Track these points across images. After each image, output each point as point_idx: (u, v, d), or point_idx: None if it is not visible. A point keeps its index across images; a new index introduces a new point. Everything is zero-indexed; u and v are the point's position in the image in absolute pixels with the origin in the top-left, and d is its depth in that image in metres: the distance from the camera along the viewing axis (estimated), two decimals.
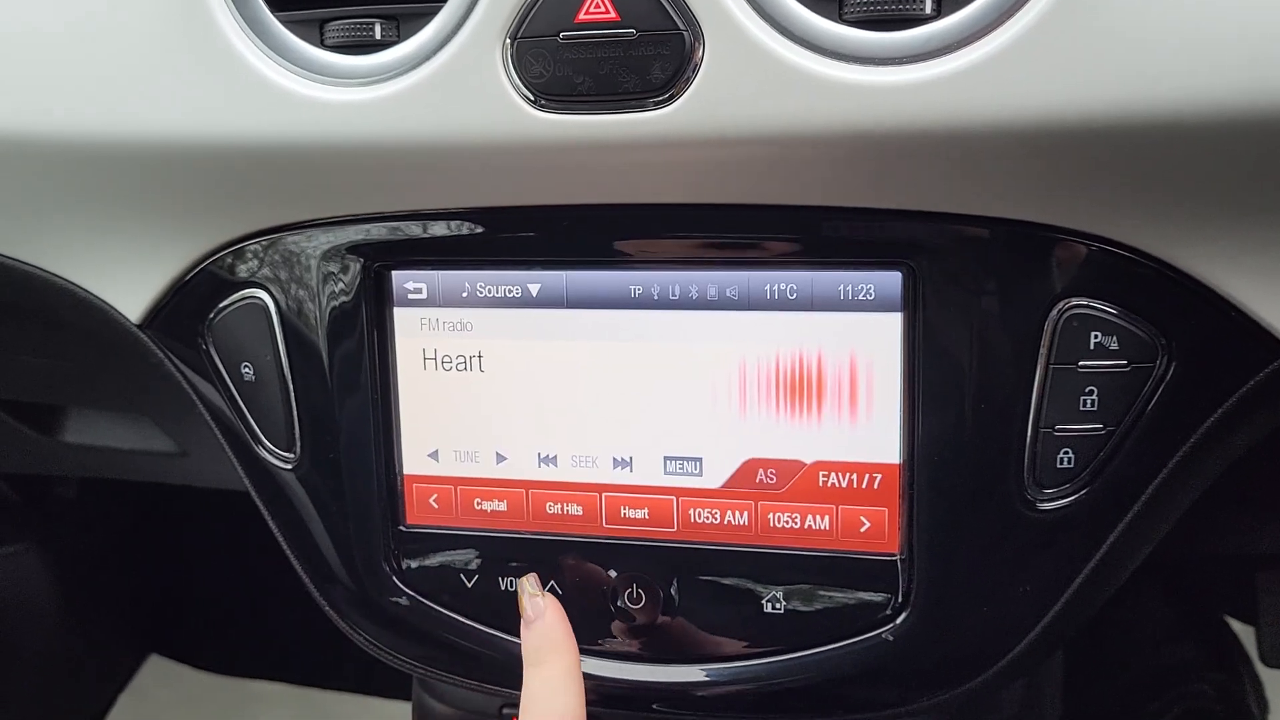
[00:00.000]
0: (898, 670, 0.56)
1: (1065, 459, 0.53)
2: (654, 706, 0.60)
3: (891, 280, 0.53)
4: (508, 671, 0.61)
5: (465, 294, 0.58)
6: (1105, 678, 1.15)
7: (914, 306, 0.53)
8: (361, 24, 0.53)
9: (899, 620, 0.55)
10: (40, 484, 1.39)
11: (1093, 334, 0.51)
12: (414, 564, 0.62)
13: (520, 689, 0.59)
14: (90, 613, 1.48)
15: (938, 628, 0.55)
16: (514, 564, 0.60)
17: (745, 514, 0.58)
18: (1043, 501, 0.54)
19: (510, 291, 0.58)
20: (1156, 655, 1.18)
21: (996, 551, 0.54)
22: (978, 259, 0.52)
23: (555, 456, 0.59)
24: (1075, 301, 0.51)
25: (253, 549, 1.63)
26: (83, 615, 1.46)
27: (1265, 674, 1.24)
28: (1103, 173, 0.48)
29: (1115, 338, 0.51)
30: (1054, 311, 0.51)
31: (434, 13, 0.52)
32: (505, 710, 0.67)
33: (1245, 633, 1.27)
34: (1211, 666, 1.18)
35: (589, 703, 0.59)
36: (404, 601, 0.62)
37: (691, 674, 0.58)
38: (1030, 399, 0.52)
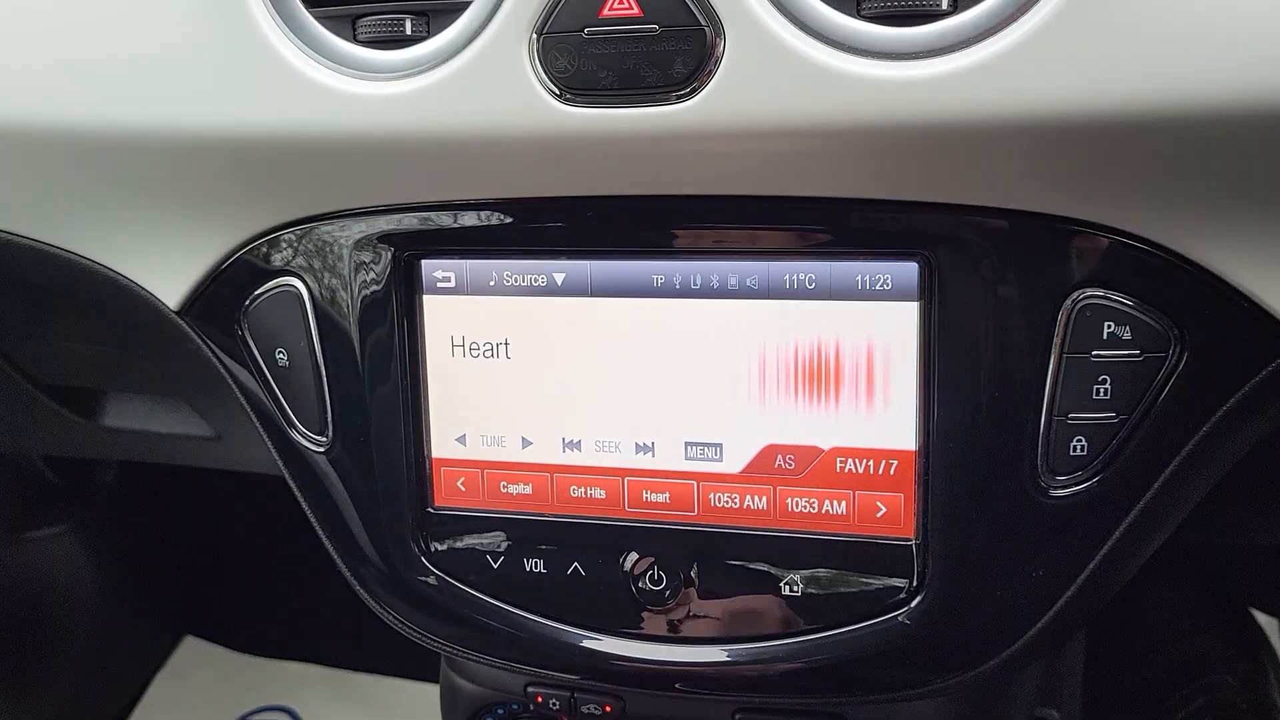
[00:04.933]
0: (913, 652, 0.57)
1: (1078, 447, 0.54)
2: (676, 685, 0.61)
3: (908, 271, 0.54)
4: (532, 650, 0.63)
5: (493, 283, 0.60)
6: (1127, 667, 1.15)
7: (930, 296, 0.54)
8: (392, 19, 0.55)
9: (914, 604, 0.57)
10: (81, 468, 1.42)
11: (1106, 324, 0.52)
12: (442, 545, 0.64)
13: (544, 667, 0.61)
14: (128, 594, 1.52)
15: (952, 611, 0.56)
16: (539, 545, 0.62)
17: (764, 498, 0.59)
18: (1056, 488, 0.55)
19: (536, 280, 0.59)
20: (1180, 645, 1.18)
21: (1010, 537, 0.55)
22: (994, 250, 0.53)
23: (579, 441, 0.61)
24: (1089, 292, 0.52)
25: (285, 533, 1.66)
26: (121, 597, 1.50)
27: None
28: (1117, 165, 0.49)
29: (1128, 328, 0.52)
30: (1068, 302, 0.52)
31: (462, 8, 0.53)
32: (530, 688, 0.69)
33: (1269, 624, 1.27)
34: (1235, 657, 1.18)
35: (612, 682, 0.61)
36: (432, 581, 0.64)
37: (711, 654, 0.60)
38: (1044, 387, 0.53)
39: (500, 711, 0.73)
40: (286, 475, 0.69)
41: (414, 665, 1.53)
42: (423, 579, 0.64)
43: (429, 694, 1.51)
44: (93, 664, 1.45)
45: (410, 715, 1.49)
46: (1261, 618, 1.28)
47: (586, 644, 0.61)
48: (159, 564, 1.59)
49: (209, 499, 1.64)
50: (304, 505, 0.68)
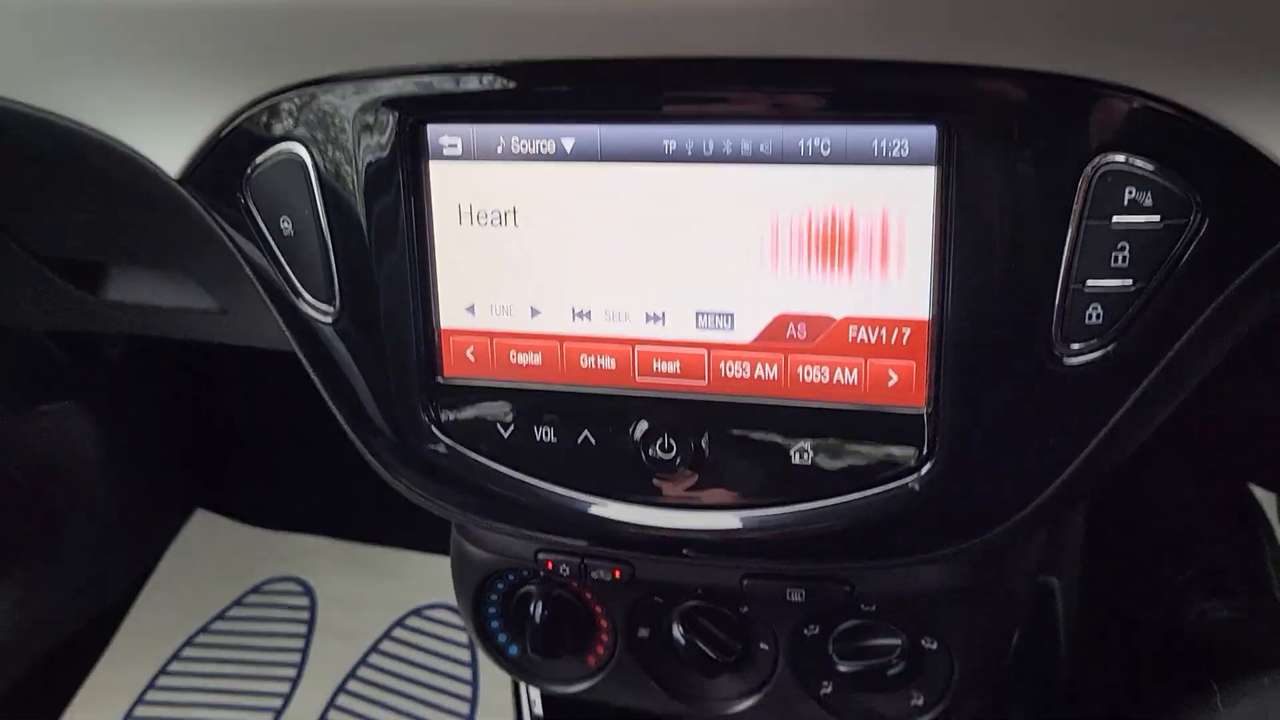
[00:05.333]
0: (921, 518, 0.58)
1: (1094, 314, 0.53)
2: (684, 551, 0.62)
3: (926, 135, 0.53)
4: (543, 517, 0.63)
5: (500, 148, 0.59)
6: (1124, 539, 1.17)
7: (948, 161, 0.53)
8: None
9: (924, 471, 0.57)
10: (86, 343, 1.43)
11: (1127, 189, 0.51)
12: (452, 415, 0.64)
13: (555, 534, 0.62)
14: (139, 468, 1.54)
15: (962, 478, 0.57)
16: (548, 415, 0.62)
17: (775, 368, 0.59)
18: (1069, 356, 0.54)
19: (544, 146, 0.58)
20: (1177, 519, 1.20)
21: (1021, 405, 0.55)
22: (1013, 113, 0.51)
23: (589, 311, 0.60)
24: (1110, 157, 0.51)
25: (295, 407, 1.67)
26: (131, 470, 1.51)
27: None
28: (1138, 23, 0.47)
29: (1149, 193, 0.51)
30: (1089, 168, 0.51)
31: None
32: (540, 555, 0.70)
33: (1267, 500, 1.29)
34: (1231, 530, 1.19)
35: (621, 548, 0.61)
36: (443, 450, 0.64)
37: (720, 520, 0.60)
38: (1061, 255, 0.52)
39: (511, 578, 0.74)
40: (296, 348, 0.68)
41: (425, 537, 1.56)
42: (433, 449, 0.64)
43: (440, 565, 1.54)
44: (105, 537, 1.48)
45: (421, 585, 1.53)
46: (1259, 493, 1.29)
47: (596, 511, 0.62)
48: (169, 438, 1.60)
49: (218, 374, 1.65)
50: (314, 378, 0.68)
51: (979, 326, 0.55)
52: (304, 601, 1.55)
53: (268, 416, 1.70)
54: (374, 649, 1.47)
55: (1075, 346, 0.54)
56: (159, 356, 1.55)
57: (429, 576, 1.54)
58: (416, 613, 1.51)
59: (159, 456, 1.59)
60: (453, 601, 1.52)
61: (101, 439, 1.44)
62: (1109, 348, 0.54)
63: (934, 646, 0.68)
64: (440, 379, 0.64)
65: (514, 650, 0.77)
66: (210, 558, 1.62)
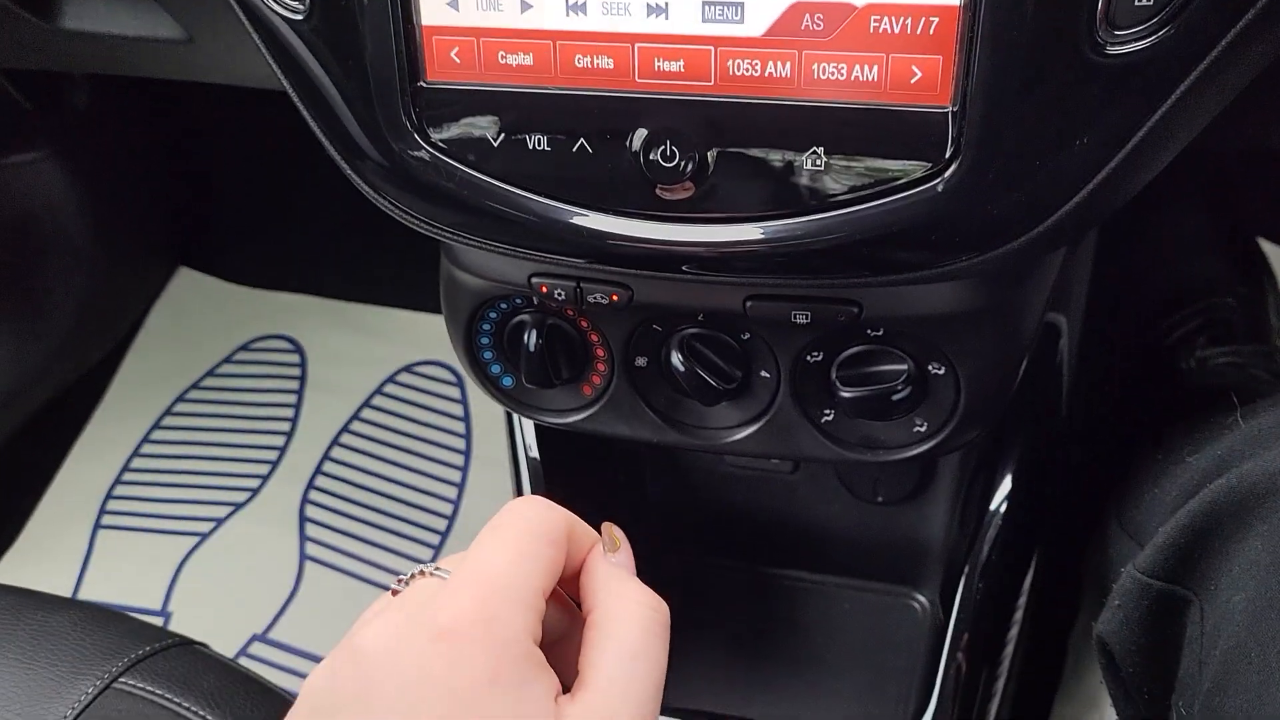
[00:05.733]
0: (939, 228, 0.54)
1: None
2: (683, 268, 0.59)
3: None
4: (536, 233, 0.60)
5: None
6: (1131, 283, 1.15)
7: None
8: None
9: (946, 175, 0.53)
10: (50, 89, 1.36)
11: None
12: (438, 123, 0.59)
13: (549, 252, 0.59)
14: (117, 223, 1.49)
15: (986, 184, 0.53)
16: (542, 121, 0.57)
17: (788, 65, 0.54)
18: (1113, 45, 0.50)
19: None
20: (1184, 266, 1.18)
21: (1056, 102, 0.51)
22: None
23: (584, 4, 0.55)
24: None
25: (279, 162, 1.62)
26: (110, 226, 1.47)
27: None
28: None
29: None
30: None
31: None
32: (534, 279, 0.67)
33: (1274, 253, 1.27)
34: (1236, 279, 1.18)
35: (618, 265, 0.58)
36: (429, 162, 0.60)
37: (726, 233, 0.57)
38: None
39: (504, 306, 0.71)
40: (266, 55, 0.63)
41: (414, 296, 1.54)
42: (419, 161, 0.60)
43: (430, 323, 1.53)
44: (89, 292, 1.45)
45: (412, 342, 1.52)
46: (1267, 247, 1.27)
47: (593, 225, 0.58)
48: (147, 193, 1.55)
49: (197, 124, 1.58)
50: (290, 91, 0.63)
51: (1016, 12, 0.49)
52: (294, 358, 1.54)
53: (251, 172, 1.64)
54: (366, 404, 1.47)
55: (1120, 33, 0.49)
56: (132, 103, 1.48)
57: (419, 334, 1.52)
58: (408, 369, 1.50)
59: (138, 211, 1.54)
60: (444, 358, 1.51)
61: (76, 191, 1.39)
62: (1157, 36, 0.49)
63: (941, 371, 0.66)
64: (424, 83, 0.59)
65: (508, 382, 0.75)
66: (197, 316, 1.60)
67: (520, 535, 0.46)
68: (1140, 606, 0.65)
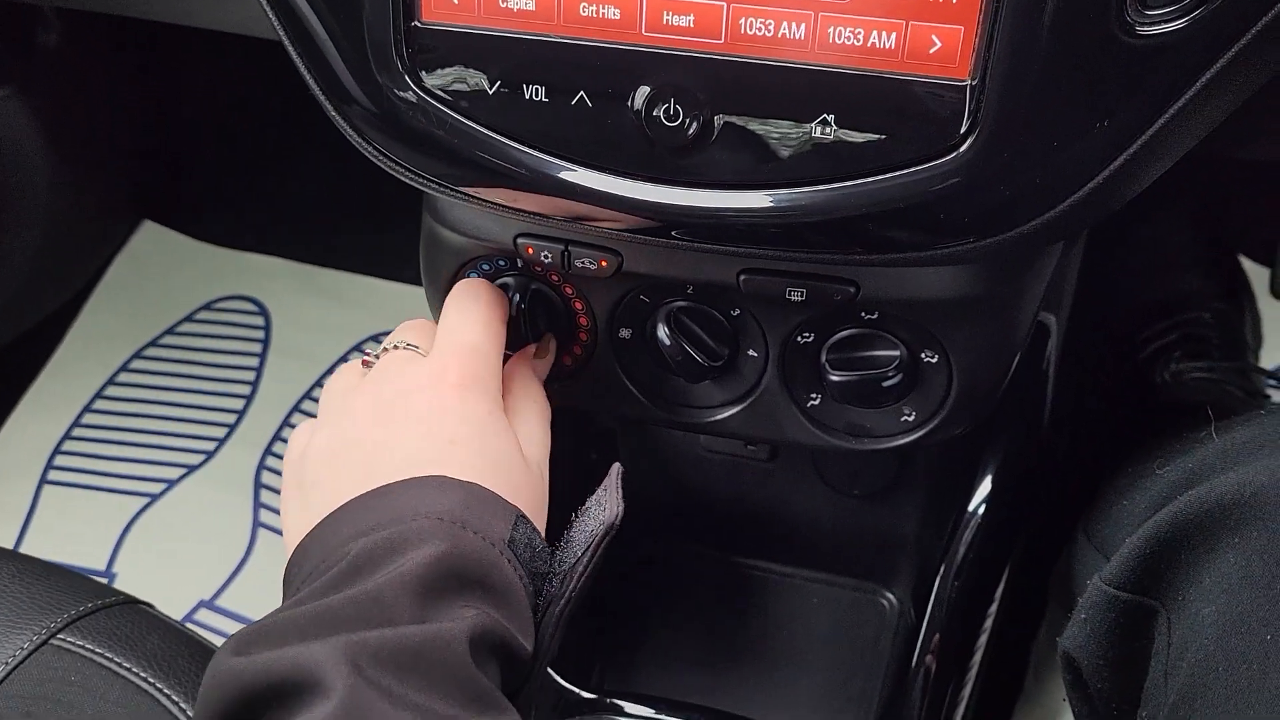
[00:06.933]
0: (951, 205, 0.52)
1: None
2: (675, 234, 0.56)
3: None
4: (525, 187, 0.57)
5: None
6: (1113, 295, 1.15)
7: None
8: None
9: (961, 150, 0.51)
10: (20, 27, 1.31)
11: None
12: (430, 65, 0.56)
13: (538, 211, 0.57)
14: (82, 171, 1.44)
15: (1001, 163, 0.51)
16: (541, 70, 0.55)
17: (803, 27, 0.52)
18: (1143, 25, 0.48)
19: None
20: (1166, 280, 1.17)
21: (1079, 82, 0.49)
22: None
23: None
24: None
25: (253, 118, 1.57)
26: (74, 173, 1.42)
27: (1266, 311, 1.25)
28: None
29: None
30: None
31: None
32: (520, 239, 0.64)
33: (1254, 271, 1.27)
34: (1215, 296, 1.17)
35: (606, 226, 0.56)
36: (419, 106, 0.57)
37: (725, 199, 0.54)
38: None
39: (486, 267, 0.69)
40: None
41: (385, 264, 1.50)
42: (408, 105, 0.57)
43: (400, 293, 1.49)
44: (46, 241, 1.40)
45: (381, 311, 1.48)
46: (1248, 264, 1.27)
47: (587, 182, 0.55)
48: (115, 142, 1.50)
49: (172, 74, 1.53)
50: (274, 22, 0.60)
51: None
52: (259, 321, 1.49)
53: (226, 127, 1.60)
54: (330, 370, 1.43)
55: (1152, 13, 0.48)
56: (106, 48, 1.43)
57: (389, 303, 1.48)
58: (375, 338, 1.46)
59: (105, 159, 1.49)
60: None
61: (41, 133, 1.34)
62: (1189, 17, 0.47)
63: (934, 360, 0.64)
64: (419, 23, 0.56)
65: None
66: (159, 271, 1.55)
67: (484, 311, 0.62)
68: (1107, 619, 0.63)
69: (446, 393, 0.57)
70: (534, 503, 0.58)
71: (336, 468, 0.57)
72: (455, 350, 0.60)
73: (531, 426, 0.61)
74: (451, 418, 0.57)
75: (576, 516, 0.58)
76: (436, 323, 0.64)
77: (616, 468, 0.59)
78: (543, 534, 0.58)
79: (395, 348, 0.62)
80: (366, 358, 0.63)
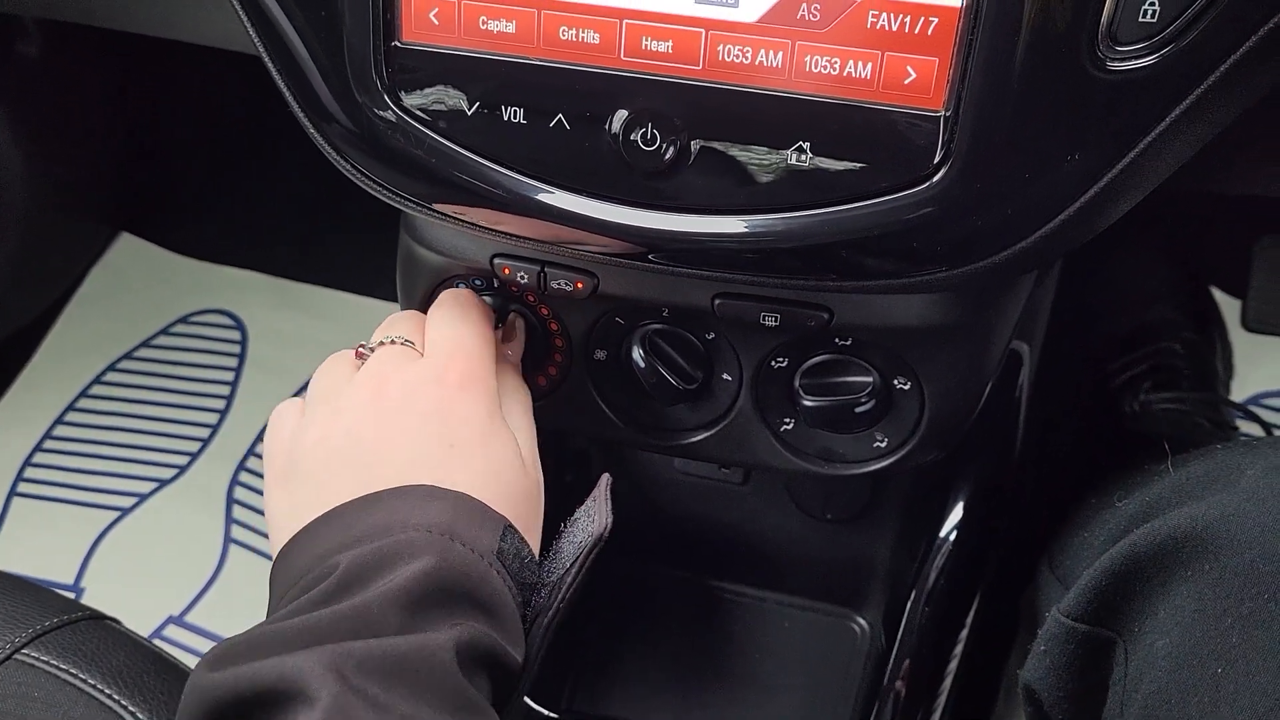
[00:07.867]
0: (923, 234, 0.53)
1: (1149, 13, 0.47)
2: (651, 259, 0.57)
3: None
4: (502, 208, 0.57)
5: None
6: (1084, 326, 1.16)
7: None
8: None
9: (934, 181, 0.51)
10: (2, 35, 1.31)
11: None
12: (409, 85, 0.57)
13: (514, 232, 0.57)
14: (60, 181, 1.44)
15: (973, 193, 0.52)
16: (519, 92, 0.55)
17: (780, 54, 0.52)
18: (1114, 60, 0.49)
19: None
20: (1137, 311, 1.18)
21: (1051, 115, 0.50)
22: None
23: None
24: None
25: (232, 132, 1.57)
26: (52, 183, 1.42)
27: (1237, 341, 1.26)
28: None
29: None
30: None
31: None
32: (496, 259, 0.64)
33: (1226, 303, 1.28)
34: (1186, 326, 1.19)
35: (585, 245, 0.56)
36: (398, 125, 0.57)
37: (699, 224, 0.55)
38: None
39: (461, 287, 0.69)
40: (236, 5, 0.60)
41: (363, 281, 1.50)
42: (388, 125, 0.57)
43: (377, 309, 1.49)
44: (23, 251, 1.39)
45: (357, 327, 1.47)
46: (1220, 296, 1.28)
47: (563, 205, 0.56)
48: (95, 153, 1.50)
49: (153, 87, 1.53)
50: (255, 40, 0.60)
51: (1018, 19, 0.48)
52: (235, 335, 1.49)
53: (206, 140, 1.60)
54: (307, 385, 1.42)
55: (1122, 49, 0.48)
56: (87, 60, 1.42)
57: (366, 319, 1.47)
58: None
59: (84, 170, 1.49)
60: None
61: (19, 142, 1.34)
62: (1160, 54, 0.48)
63: (907, 387, 0.65)
64: (399, 43, 0.56)
65: None
66: (135, 284, 1.54)
67: (472, 313, 0.63)
68: (1066, 651, 0.64)
69: (448, 394, 0.57)
70: (531, 501, 0.58)
71: (332, 464, 0.56)
72: (453, 351, 0.59)
73: (520, 420, 0.61)
74: (454, 420, 0.56)
75: (565, 527, 0.58)
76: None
77: (606, 478, 0.59)
78: (539, 529, 0.58)
79: (391, 341, 0.61)
80: (360, 349, 0.62)
